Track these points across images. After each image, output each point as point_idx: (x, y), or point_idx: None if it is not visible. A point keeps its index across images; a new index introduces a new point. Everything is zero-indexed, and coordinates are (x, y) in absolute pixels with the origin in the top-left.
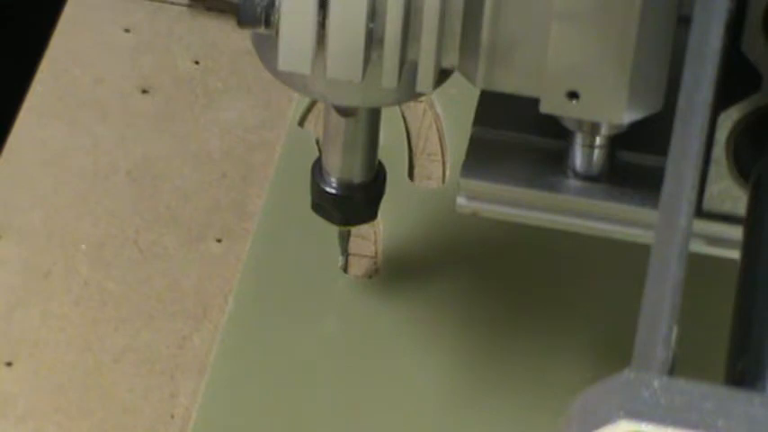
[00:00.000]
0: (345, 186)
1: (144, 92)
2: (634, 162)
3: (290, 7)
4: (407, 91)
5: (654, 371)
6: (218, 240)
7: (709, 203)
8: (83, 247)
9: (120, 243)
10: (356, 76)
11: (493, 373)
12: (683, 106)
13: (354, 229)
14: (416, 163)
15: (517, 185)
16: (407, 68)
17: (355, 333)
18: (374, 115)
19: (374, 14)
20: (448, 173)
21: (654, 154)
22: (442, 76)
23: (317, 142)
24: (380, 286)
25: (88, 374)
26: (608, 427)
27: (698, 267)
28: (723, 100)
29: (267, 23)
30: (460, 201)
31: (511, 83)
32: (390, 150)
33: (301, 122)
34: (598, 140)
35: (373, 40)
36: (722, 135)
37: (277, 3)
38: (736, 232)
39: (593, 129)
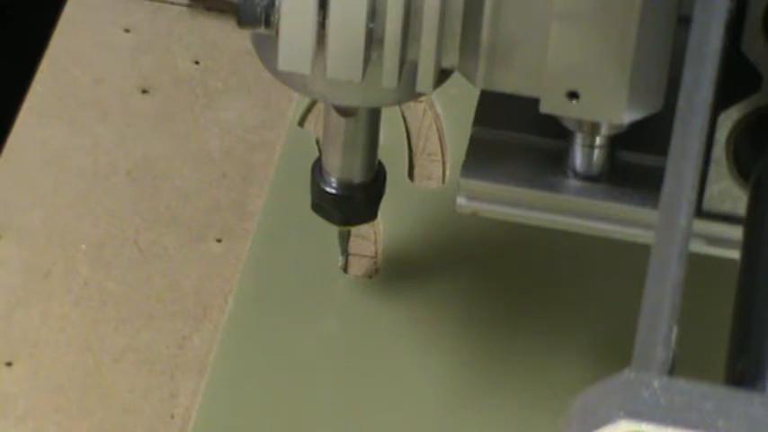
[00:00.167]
0: (345, 186)
1: (144, 92)
2: (634, 162)
3: (290, 7)
4: (407, 91)
5: (654, 371)
6: (218, 240)
7: (709, 203)
8: (83, 247)
9: (120, 243)
10: (356, 76)
11: (493, 373)
12: (683, 106)
13: (354, 229)
14: (416, 163)
15: (517, 185)
16: (407, 68)
17: (355, 333)
18: (374, 115)
19: (374, 14)
20: (448, 173)
21: (654, 154)
22: (442, 76)
23: (317, 142)
24: (380, 286)
25: (88, 374)
26: (608, 427)
27: (698, 267)
28: (723, 100)
29: (267, 23)
30: (460, 201)
31: (511, 83)
32: (390, 150)
33: (301, 122)
34: (598, 140)
35: (373, 40)
36: (722, 135)
37: (277, 3)
38: (736, 232)
39: (594, 129)
